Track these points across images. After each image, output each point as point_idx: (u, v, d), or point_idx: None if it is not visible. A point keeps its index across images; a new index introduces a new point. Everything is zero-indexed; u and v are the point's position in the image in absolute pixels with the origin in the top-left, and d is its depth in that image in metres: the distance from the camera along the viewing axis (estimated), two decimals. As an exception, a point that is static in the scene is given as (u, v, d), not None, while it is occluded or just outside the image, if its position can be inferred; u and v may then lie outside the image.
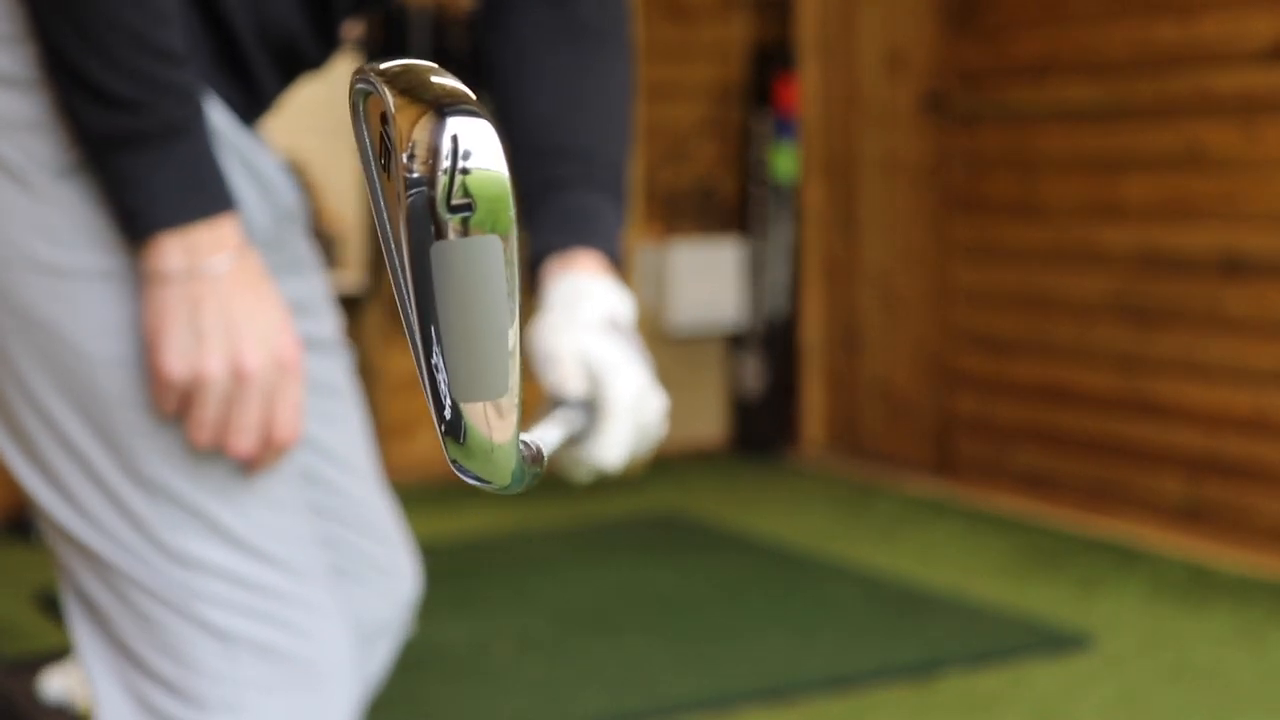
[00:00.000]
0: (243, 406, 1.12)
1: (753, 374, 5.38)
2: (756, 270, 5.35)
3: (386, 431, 4.85)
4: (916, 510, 4.60)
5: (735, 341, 5.45)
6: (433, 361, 0.57)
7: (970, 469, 4.80)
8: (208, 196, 1.11)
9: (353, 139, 0.61)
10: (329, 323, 1.35)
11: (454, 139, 0.53)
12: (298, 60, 1.23)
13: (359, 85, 0.57)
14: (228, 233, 1.11)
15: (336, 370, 1.35)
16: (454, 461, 0.60)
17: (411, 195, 0.53)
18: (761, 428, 5.38)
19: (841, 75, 5.17)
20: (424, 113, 0.53)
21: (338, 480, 1.34)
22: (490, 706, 3.02)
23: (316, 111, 4.56)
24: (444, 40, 4.82)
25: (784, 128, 5.24)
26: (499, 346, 0.56)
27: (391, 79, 0.55)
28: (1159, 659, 3.23)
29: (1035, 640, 3.33)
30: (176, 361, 1.10)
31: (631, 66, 1.35)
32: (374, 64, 0.57)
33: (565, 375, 1.17)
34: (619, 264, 1.28)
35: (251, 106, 1.21)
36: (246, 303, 1.12)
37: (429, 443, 5.04)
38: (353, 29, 1.30)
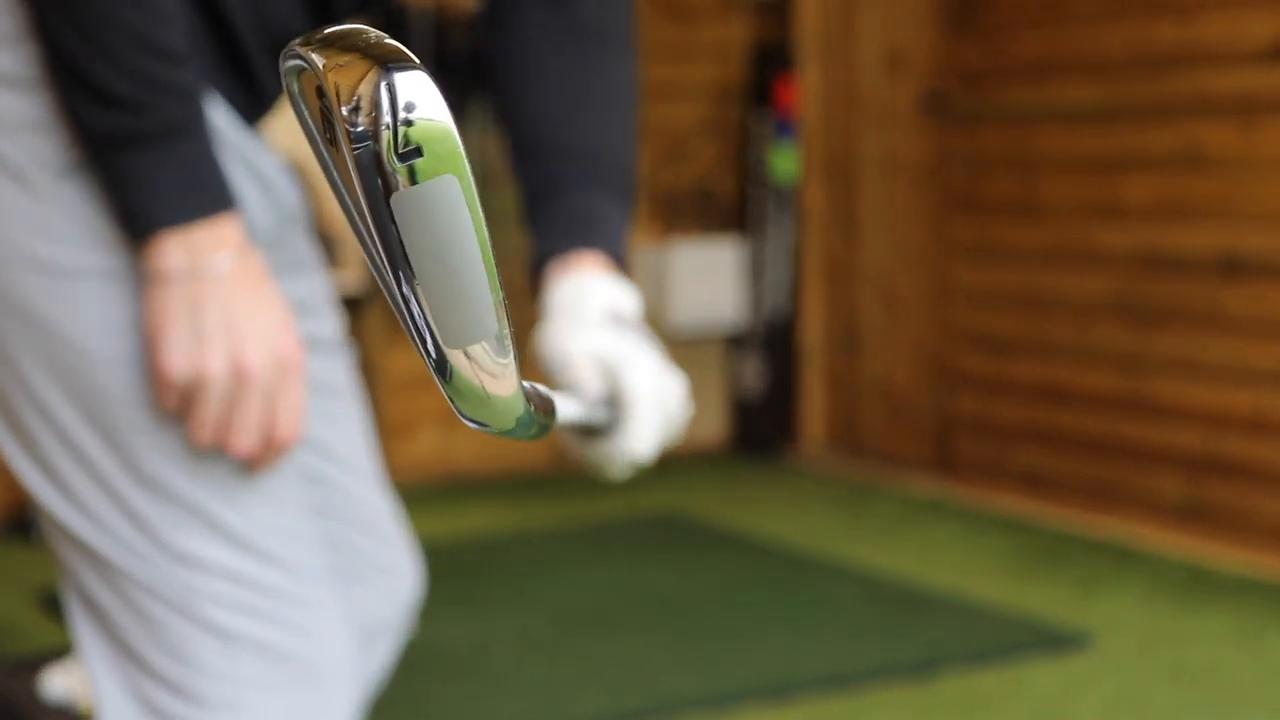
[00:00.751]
0: (244, 406, 1.13)
1: (753, 374, 5.38)
2: (756, 270, 5.35)
3: (387, 431, 4.85)
4: (916, 510, 4.60)
5: (735, 341, 5.46)
6: (415, 315, 0.56)
7: (970, 469, 4.80)
8: (209, 196, 1.11)
9: (296, 117, 0.60)
10: (330, 322, 1.35)
11: (391, 90, 0.53)
12: (299, 60, 1.24)
13: (290, 63, 0.57)
14: (229, 232, 1.11)
15: (338, 370, 1.35)
16: (460, 412, 0.60)
17: (358, 150, 0.53)
18: (761, 428, 5.38)
19: (841, 75, 5.17)
20: (359, 72, 0.53)
21: (339, 480, 1.34)
22: (490, 706, 3.03)
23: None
24: (445, 41, 4.82)
25: (784, 128, 5.24)
26: (478, 284, 0.56)
27: (320, 48, 0.55)
28: (1158, 659, 3.23)
29: (1035, 640, 3.34)
30: (177, 361, 1.11)
31: (636, 67, 1.35)
32: (297, 40, 0.57)
33: (581, 376, 1.17)
34: (623, 264, 1.28)
35: (253, 107, 1.21)
36: (248, 302, 1.12)
37: (429, 443, 5.04)
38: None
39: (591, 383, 1.17)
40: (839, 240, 5.25)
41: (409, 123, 0.53)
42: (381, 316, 4.92)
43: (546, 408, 0.68)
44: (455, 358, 0.58)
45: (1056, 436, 4.51)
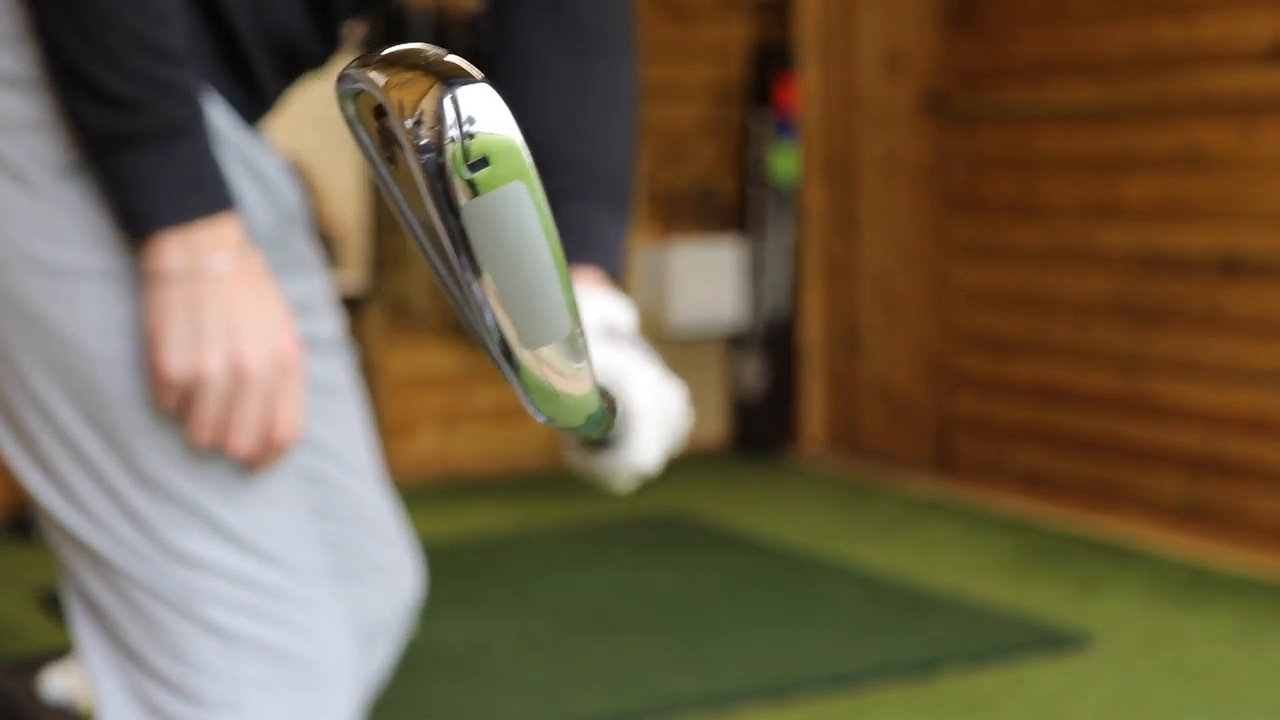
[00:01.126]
0: (243, 406, 1.13)
1: (753, 374, 5.38)
2: (756, 270, 5.35)
3: (387, 431, 4.85)
4: (916, 510, 4.60)
5: (735, 341, 5.46)
6: (489, 320, 0.57)
7: (970, 469, 4.80)
8: (208, 196, 1.11)
9: (354, 139, 0.61)
10: (330, 322, 1.35)
11: (456, 103, 0.54)
12: (299, 60, 1.24)
13: (346, 87, 0.57)
14: (228, 232, 1.11)
15: (338, 370, 1.35)
16: (533, 409, 0.61)
17: (425, 160, 0.54)
18: (761, 428, 5.38)
19: (841, 75, 5.17)
20: (422, 88, 0.54)
21: (339, 480, 1.34)
22: (490, 706, 3.03)
23: (318, 112, 4.56)
24: (445, 41, 4.82)
25: (784, 128, 5.24)
26: (550, 287, 0.57)
27: (380, 67, 0.56)
28: (1158, 659, 3.23)
29: (1035, 640, 3.34)
30: (176, 361, 1.10)
31: (636, 69, 1.35)
32: (352, 62, 0.57)
33: None
34: (619, 277, 1.28)
35: (253, 106, 1.21)
36: (247, 302, 1.12)
37: (429, 443, 5.04)
38: (354, 29, 1.30)
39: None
40: (839, 240, 5.25)
41: (472, 135, 0.54)
42: (382, 316, 4.92)
43: (611, 405, 0.68)
44: (529, 359, 0.59)
45: (1056, 436, 4.51)
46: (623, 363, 1.18)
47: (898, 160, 5.01)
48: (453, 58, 0.55)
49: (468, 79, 0.54)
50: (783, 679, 3.12)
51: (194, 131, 1.10)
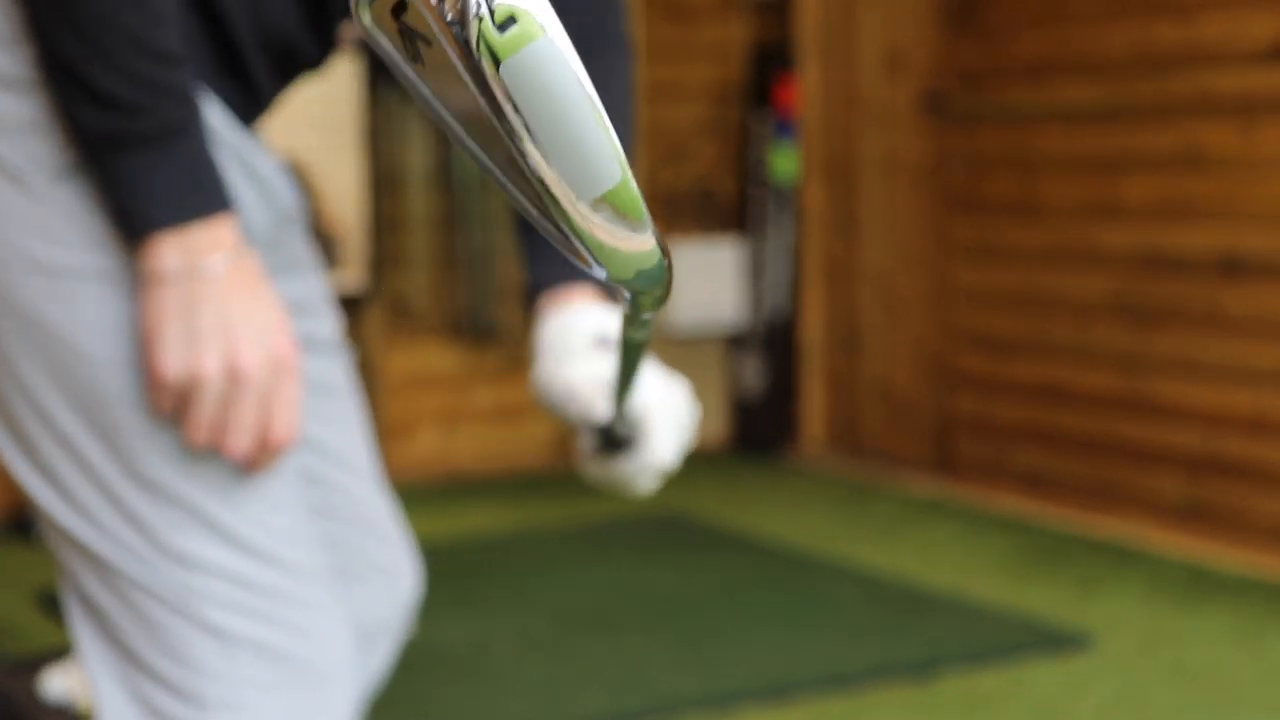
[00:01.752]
0: (239, 407, 1.12)
1: (753, 374, 5.38)
2: (756, 270, 5.35)
3: (386, 431, 4.85)
4: (916, 510, 4.60)
5: (735, 341, 5.46)
6: (545, 176, 0.58)
7: (970, 469, 4.80)
8: (205, 197, 1.11)
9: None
10: (328, 323, 1.35)
11: None
12: (296, 61, 1.24)
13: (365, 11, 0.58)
14: (225, 233, 1.11)
15: (335, 370, 1.35)
16: (600, 267, 0.61)
17: (456, 31, 0.55)
18: (761, 428, 5.38)
19: (841, 75, 5.17)
20: None
21: (338, 480, 1.34)
22: (490, 706, 3.03)
23: (316, 112, 4.56)
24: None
25: (784, 128, 5.24)
26: (597, 133, 0.58)
27: None
28: (1158, 659, 3.23)
29: (1035, 640, 3.34)
30: (172, 361, 1.10)
31: (631, 70, 1.35)
32: None
33: (589, 404, 1.18)
34: (614, 291, 1.28)
35: (250, 107, 1.21)
36: (243, 303, 1.12)
37: (429, 443, 5.04)
38: (351, 30, 1.30)
39: (600, 406, 1.18)
40: (839, 240, 5.25)
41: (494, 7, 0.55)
42: (381, 316, 4.92)
43: (669, 259, 0.68)
44: (585, 214, 0.59)
45: (1056, 436, 4.51)
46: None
47: (898, 160, 5.00)
48: None
49: None
50: (783, 679, 3.12)
51: (191, 132, 1.10)
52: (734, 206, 5.44)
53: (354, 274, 4.77)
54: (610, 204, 0.59)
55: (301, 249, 1.32)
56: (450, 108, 0.59)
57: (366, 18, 0.60)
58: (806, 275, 5.31)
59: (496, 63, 0.55)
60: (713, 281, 5.28)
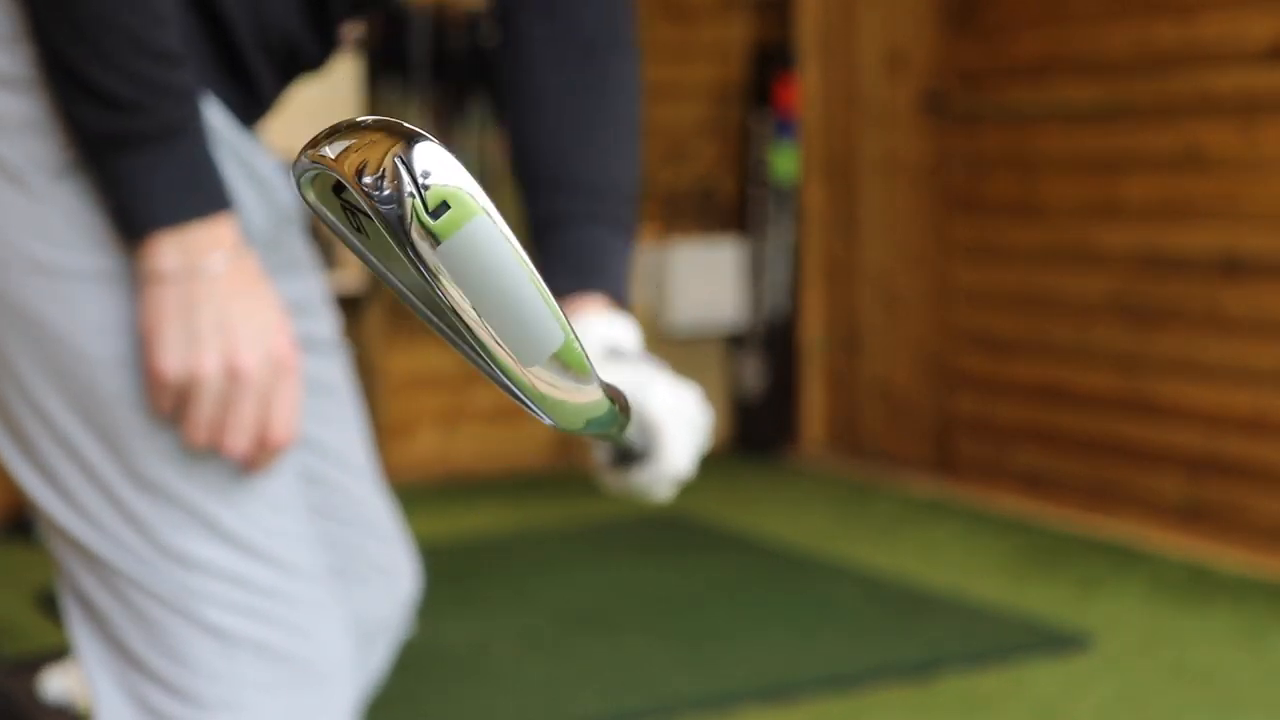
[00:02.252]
0: (238, 406, 1.12)
1: (753, 374, 5.38)
2: (756, 270, 5.35)
3: (386, 431, 4.85)
4: (916, 510, 4.60)
5: (735, 341, 5.45)
6: (489, 346, 0.60)
7: (970, 469, 4.80)
8: (204, 196, 1.11)
9: (321, 220, 0.64)
10: (327, 323, 1.35)
11: (407, 160, 0.56)
12: (296, 61, 1.23)
13: (301, 173, 0.60)
14: (224, 232, 1.11)
15: (334, 370, 1.35)
16: (550, 419, 0.64)
17: (386, 211, 0.56)
18: (761, 428, 5.38)
19: (841, 75, 5.17)
20: (372, 152, 0.57)
21: (337, 480, 1.34)
22: (490, 706, 3.03)
23: (315, 112, 4.55)
24: (444, 41, 4.82)
25: (784, 128, 5.24)
26: (536, 305, 0.60)
27: (326, 142, 0.58)
28: (1159, 659, 3.23)
29: (1035, 640, 3.34)
30: (171, 361, 1.10)
31: (639, 77, 1.34)
32: (302, 150, 0.60)
33: None
34: (624, 301, 1.28)
35: (250, 107, 1.21)
36: (242, 302, 1.12)
37: (429, 443, 5.04)
38: (352, 30, 1.30)
39: None
40: (839, 240, 5.25)
41: (428, 186, 0.56)
42: (381, 316, 4.92)
43: (623, 404, 0.71)
44: (529, 377, 0.62)
45: (1056, 436, 4.51)
46: (635, 377, 1.18)
47: (898, 160, 5.00)
48: (392, 120, 0.58)
49: (415, 136, 0.57)
50: (783, 679, 3.12)
51: (191, 132, 1.10)
52: (734, 206, 5.43)
53: (353, 274, 4.77)
54: (556, 360, 0.62)
55: (301, 249, 1.32)
56: (396, 275, 0.61)
57: (310, 195, 0.61)
58: (806, 275, 5.31)
59: (435, 241, 0.57)
60: (713, 281, 5.28)
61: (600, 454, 1.27)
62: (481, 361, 0.61)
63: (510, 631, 3.45)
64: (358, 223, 0.60)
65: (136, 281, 1.12)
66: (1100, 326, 4.34)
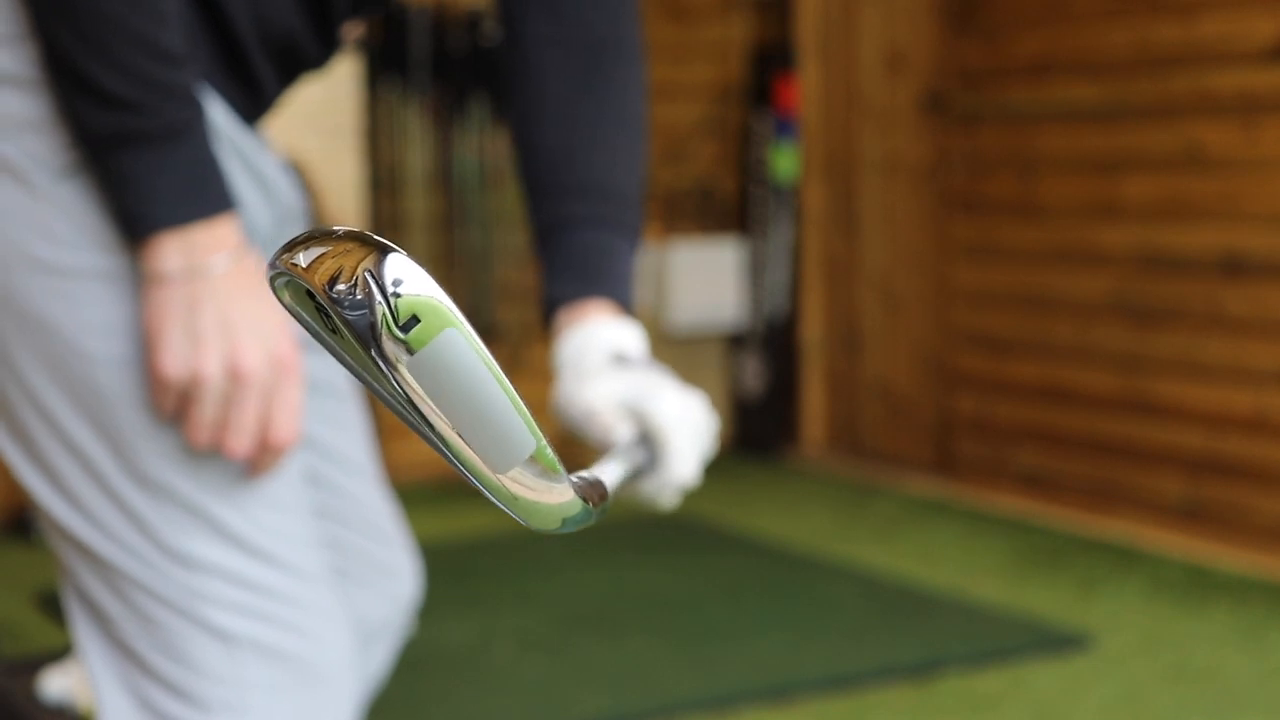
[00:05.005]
0: (240, 407, 1.12)
1: (753, 374, 5.38)
2: (756, 270, 5.35)
3: (387, 431, 4.84)
4: (916, 510, 4.60)
5: (735, 341, 5.45)
6: (461, 452, 0.61)
7: (970, 469, 4.80)
8: (208, 197, 1.10)
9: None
10: (329, 323, 1.34)
11: (377, 273, 0.57)
12: (298, 60, 1.23)
13: (275, 277, 0.61)
14: (227, 233, 1.11)
15: (337, 371, 1.35)
16: (525, 520, 0.65)
17: (355, 320, 0.57)
18: (761, 428, 5.38)
19: (841, 75, 5.17)
20: (343, 264, 0.57)
21: (339, 481, 1.34)
22: (490, 706, 3.03)
23: (316, 112, 4.56)
24: (444, 41, 4.82)
25: (784, 128, 5.24)
26: (507, 414, 0.61)
27: (299, 250, 0.59)
28: (1159, 659, 3.23)
29: (1035, 640, 3.33)
30: (174, 362, 1.10)
31: (645, 78, 1.34)
32: (274, 255, 0.61)
33: (608, 424, 1.17)
34: (630, 305, 1.28)
35: (253, 107, 1.21)
36: (245, 303, 1.12)
37: (429, 443, 5.04)
38: (353, 30, 1.29)
39: (619, 427, 1.17)
40: (839, 240, 5.25)
41: (399, 295, 0.57)
42: (381, 316, 4.91)
43: (600, 494, 0.72)
44: (503, 482, 0.63)
45: (1056, 436, 4.51)
46: (641, 385, 1.18)
47: (898, 160, 5.00)
48: (365, 232, 0.59)
49: (386, 248, 0.57)
50: (783, 680, 3.12)
51: (194, 132, 1.10)
52: (734, 206, 5.43)
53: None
54: (530, 464, 0.62)
55: (303, 249, 1.32)
56: (370, 377, 0.62)
57: (285, 297, 0.62)
58: (806, 275, 5.31)
59: (407, 351, 0.58)
60: (713, 281, 5.28)
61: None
62: (456, 465, 0.62)
63: (510, 631, 3.45)
64: (332, 324, 0.60)
65: (139, 282, 1.12)
66: (1100, 326, 4.34)
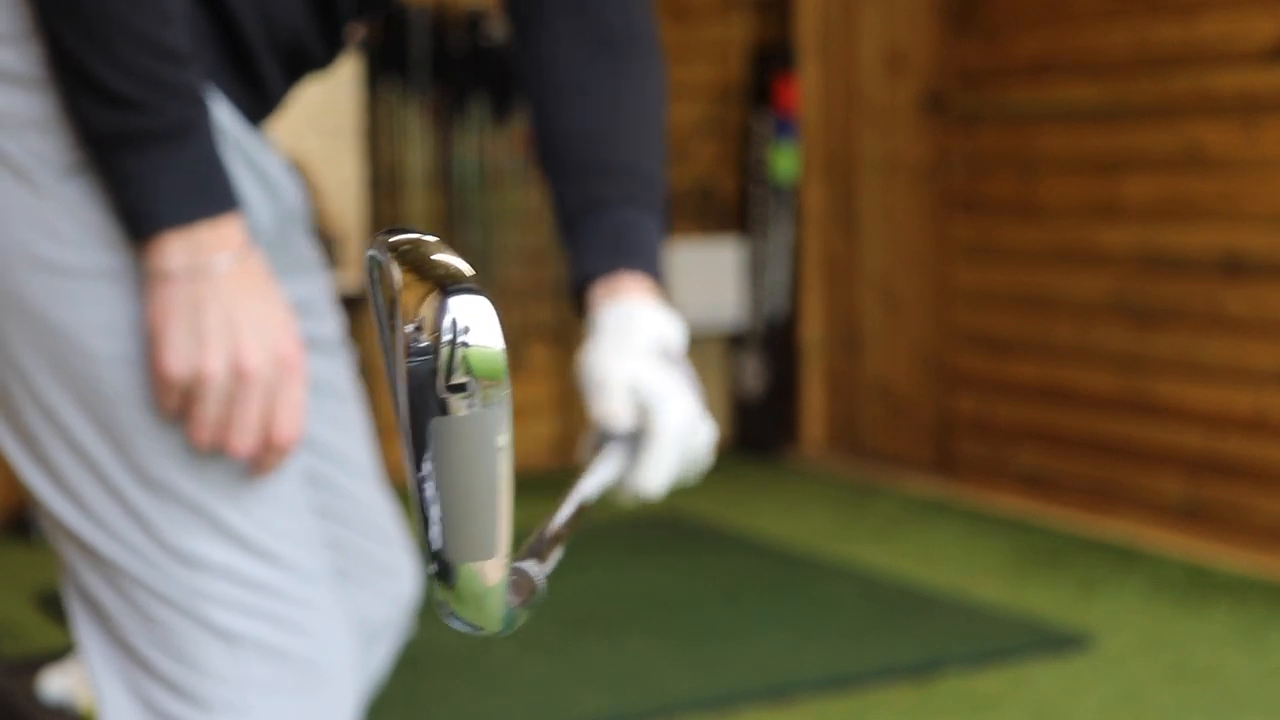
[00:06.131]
0: (243, 406, 1.12)
1: (753, 374, 5.38)
2: (756, 270, 5.35)
3: (387, 431, 4.83)
4: (916, 510, 4.60)
5: (735, 341, 5.45)
6: (432, 519, 0.60)
7: (970, 469, 4.80)
8: (212, 196, 1.10)
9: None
10: (331, 323, 1.35)
11: (454, 318, 0.56)
12: (303, 60, 1.23)
13: (372, 254, 0.60)
14: (231, 232, 1.11)
15: (339, 371, 1.35)
16: (443, 605, 0.63)
17: (414, 363, 0.57)
18: (761, 428, 5.38)
19: (841, 75, 5.17)
20: (428, 290, 0.57)
21: (340, 481, 1.34)
22: (490, 706, 3.03)
23: (317, 113, 4.56)
24: (444, 41, 4.82)
25: (784, 128, 5.24)
26: (490, 513, 0.61)
27: (400, 255, 0.58)
28: (1159, 659, 3.23)
29: (1035, 640, 3.33)
30: (177, 361, 1.10)
31: (663, 71, 1.34)
32: (384, 235, 0.59)
33: (613, 407, 1.17)
34: (664, 283, 1.27)
35: (257, 106, 1.21)
36: (248, 302, 1.11)
37: (429, 443, 5.04)
38: (357, 30, 1.29)
39: (621, 414, 1.17)
40: (839, 240, 5.24)
41: (465, 344, 0.56)
42: (381, 316, 4.91)
43: (530, 590, 0.71)
44: (457, 568, 0.61)
45: (1056, 436, 4.51)
46: (663, 387, 1.17)
47: (898, 160, 5.00)
48: (459, 263, 0.57)
49: (470, 290, 0.56)
50: (783, 680, 3.12)
51: (199, 131, 1.10)
52: (734, 206, 5.43)
53: (355, 274, 4.77)
54: (481, 569, 0.61)
55: (307, 249, 1.32)
56: (402, 394, 0.61)
57: (375, 273, 0.61)
58: (806, 275, 5.31)
59: (431, 415, 0.57)
60: (713, 281, 5.28)
61: (591, 436, 1.27)
62: (417, 516, 0.60)
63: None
64: (394, 318, 0.59)
65: (143, 281, 1.12)
66: (1101, 326, 4.34)
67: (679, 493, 1.28)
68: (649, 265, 1.25)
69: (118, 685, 1.18)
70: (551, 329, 5.16)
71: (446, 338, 0.56)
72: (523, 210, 5.02)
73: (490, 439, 0.57)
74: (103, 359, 1.12)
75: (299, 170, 4.60)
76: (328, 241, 4.71)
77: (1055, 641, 3.32)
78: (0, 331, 1.14)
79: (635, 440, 1.18)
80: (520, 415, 5.16)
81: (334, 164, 4.73)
